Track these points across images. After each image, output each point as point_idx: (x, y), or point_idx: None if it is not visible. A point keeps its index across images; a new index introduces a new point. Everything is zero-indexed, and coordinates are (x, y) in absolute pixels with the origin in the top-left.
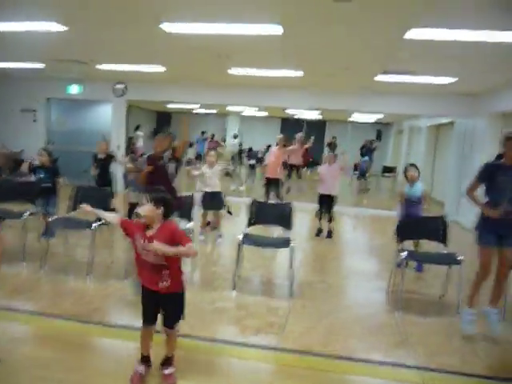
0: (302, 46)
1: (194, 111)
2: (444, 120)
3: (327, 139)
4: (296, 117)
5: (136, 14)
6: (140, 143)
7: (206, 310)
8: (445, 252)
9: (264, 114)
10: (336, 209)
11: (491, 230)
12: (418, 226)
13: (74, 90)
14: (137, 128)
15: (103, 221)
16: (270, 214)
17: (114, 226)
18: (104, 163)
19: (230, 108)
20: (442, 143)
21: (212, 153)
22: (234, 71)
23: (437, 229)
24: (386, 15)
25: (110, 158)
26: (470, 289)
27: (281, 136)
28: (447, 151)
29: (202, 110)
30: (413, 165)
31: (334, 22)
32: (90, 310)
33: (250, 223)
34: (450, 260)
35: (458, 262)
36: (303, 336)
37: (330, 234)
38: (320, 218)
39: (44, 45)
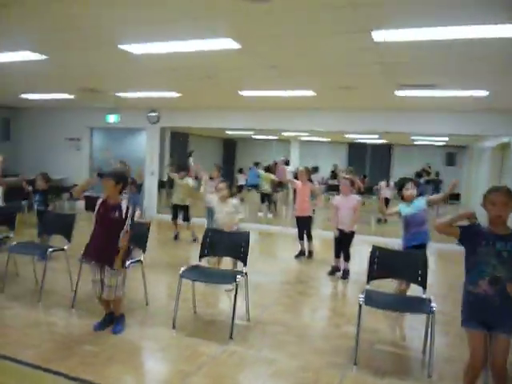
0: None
1: (255, 137)
2: (505, 139)
3: (394, 164)
4: (359, 141)
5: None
6: None
7: None
8: (415, 296)
9: (325, 139)
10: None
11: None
12: (392, 261)
13: (112, 118)
14: (190, 154)
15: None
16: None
17: None
18: None
19: (285, 134)
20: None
21: (221, 185)
22: (245, 93)
23: (414, 266)
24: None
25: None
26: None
27: (302, 168)
28: None
29: (263, 137)
30: (409, 179)
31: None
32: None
33: (202, 254)
34: (418, 307)
35: (428, 311)
36: None
37: (345, 275)
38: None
39: (38, 75)
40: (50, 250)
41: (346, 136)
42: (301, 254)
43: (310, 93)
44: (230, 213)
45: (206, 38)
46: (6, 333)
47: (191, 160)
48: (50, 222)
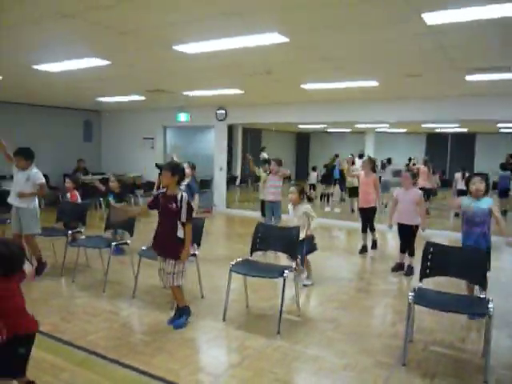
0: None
1: (329, 130)
2: None
3: (477, 154)
4: (439, 130)
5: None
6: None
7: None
8: (473, 296)
9: (401, 130)
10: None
11: None
12: (448, 258)
13: (183, 117)
14: (262, 149)
15: None
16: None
17: None
18: None
19: (358, 125)
20: None
21: (292, 188)
22: (307, 86)
23: (471, 264)
24: None
25: None
26: None
27: (365, 158)
28: None
29: (337, 130)
30: (479, 174)
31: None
32: None
33: (254, 249)
34: (473, 308)
35: (483, 314)
36: None
37: (408, 271)
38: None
39: (105, 79)
40: (114, 243)
41: (423, 126)
42: (364, 249)
43: (373, 83)
44: (300, 218)
45: (254, 34)
46: (71, 319)
47: (264, 155)
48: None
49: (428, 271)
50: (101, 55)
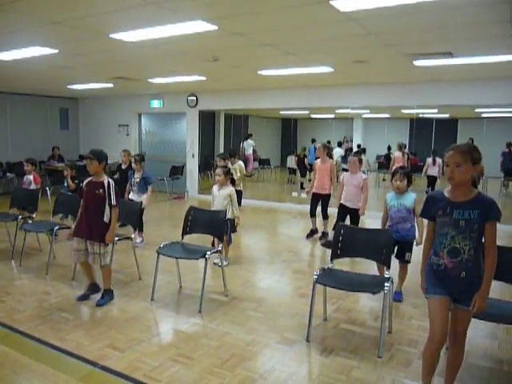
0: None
1: (312, 116)
2: None
3: (459, 139)
4: (422, 115)
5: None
6: (249, 151)
7: None
8: (375, 275)
9: (384, 115)
10: None
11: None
12: (358, 239)
13: (156, 104)
14: (248, 137)
15: None
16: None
17: None
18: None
19: (338, 111)
20: None
21: (218, 170)
22: (264, 72)
23: (377, 245)
24: None
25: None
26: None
27: (319, 145)
28: None
29: (321, 116)
30: (400, 169)
31: None
32: None
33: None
34: (370, 287)
35: (378, 291)
36: None
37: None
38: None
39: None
40: (57, 227)
41: (404, 112)
42: (312, 233)
43: (328, 69)
44: (225, 199)
45: (180, 22)
46: (6, 300)
47: (250, 142)
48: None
49: (339, 252)
50: (46, 44)
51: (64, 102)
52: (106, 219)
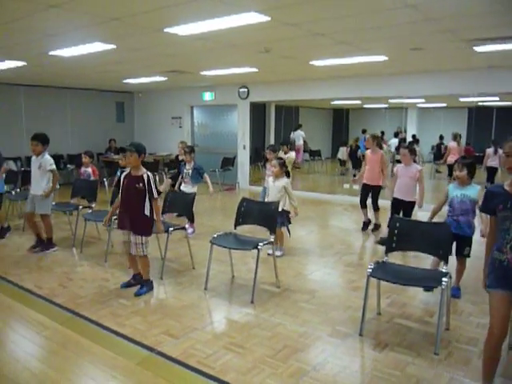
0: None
1: (365, 106)
2: None
3: None
4: (482, 104)
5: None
6: (300, 141)
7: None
8: (432, 269)
9: (440, 104)
10: None
11: None
12: (414, 232)
13: (208, 96)
14: (297, 127)
15: None
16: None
17: None
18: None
19: (391, 100)
20: None
21: (274, 162)
22: (316, 63)
23: (434, 238)
24: None
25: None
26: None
27: (368, 135)
28: None
29: (374, 106)
30: (462, 159)
31: None
32: None
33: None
34: (428, 282)
35: (435, 286)
36: None
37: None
38: None
39: (118, 62)
40: (114, 217)
41: (463, 100)
42: (365, 225)
43: (382, 58)
44: (280, 191)
45: (238, 13)
46: (68, 285)
47: (300, 133)
48: None
49: (394, 245)
50: (104, 40)
51: (120, 95)
52: (146, 212)
